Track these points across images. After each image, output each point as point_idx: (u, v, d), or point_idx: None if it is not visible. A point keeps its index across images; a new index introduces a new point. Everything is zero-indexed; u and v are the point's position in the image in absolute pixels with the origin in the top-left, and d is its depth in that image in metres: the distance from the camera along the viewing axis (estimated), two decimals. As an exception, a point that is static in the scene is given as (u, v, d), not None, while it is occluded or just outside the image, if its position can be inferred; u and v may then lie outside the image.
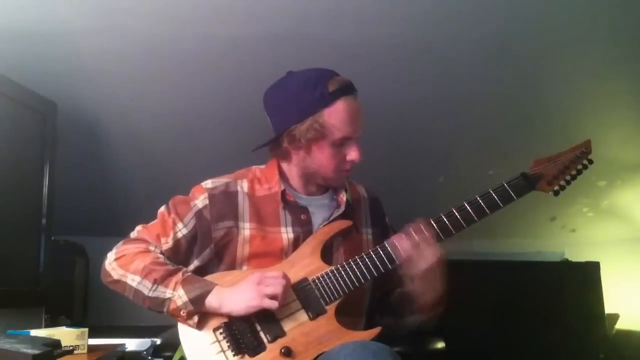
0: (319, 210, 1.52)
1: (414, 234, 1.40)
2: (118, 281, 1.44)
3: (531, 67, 2.57)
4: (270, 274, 1.36)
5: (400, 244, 1.40)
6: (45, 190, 2.35)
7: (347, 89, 1.44)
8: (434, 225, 1.42)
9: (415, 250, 1.38)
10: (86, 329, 1.86)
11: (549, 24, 2.36)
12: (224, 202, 1.49)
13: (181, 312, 1.36)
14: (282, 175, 1.54)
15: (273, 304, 1.34)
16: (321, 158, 1.45)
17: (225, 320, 1.38)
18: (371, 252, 1.44)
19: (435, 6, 2.26)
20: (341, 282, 1.41)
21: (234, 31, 2.30)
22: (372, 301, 1.58)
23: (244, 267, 1.46)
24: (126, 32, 2.28)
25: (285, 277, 1.37)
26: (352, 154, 1.45)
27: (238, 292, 1.36)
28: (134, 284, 1.41)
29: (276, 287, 1.34)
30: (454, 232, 1.42)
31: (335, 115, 1.41)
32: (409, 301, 1.50)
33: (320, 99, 1.41)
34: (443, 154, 3.00)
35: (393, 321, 1.57)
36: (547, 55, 2.50)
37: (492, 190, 1.44)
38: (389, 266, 1.42)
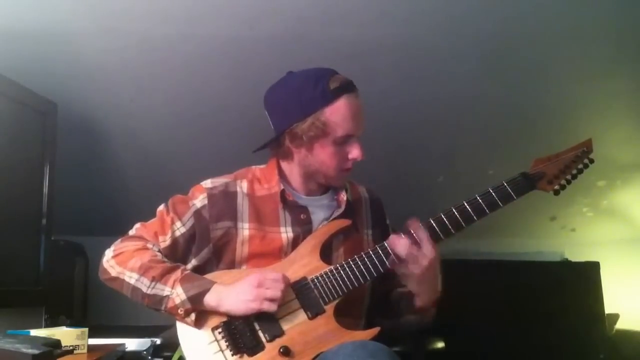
0: (319, 210, 1.52)
1: (413, 233, 1.39)
2: (116, 278, 1.44)
3: (531, 67, 2.56)
4: (271, 276, 1.36)
5: (399, 242, 1.38)
6: (45, 190, 2.34)
7: (348, 87, 1.44)
8: (433, 224, 1.41)
9: (413, 249, 1.37)
10: (86, 329, 1.85)
11: (549, 24, 2.36)
12: (223, 202, 1.49)
13: (179, 310, 1.37)
14: (282, 175, 1.54)
15: (272, 307, 1.34)
16: (323, 156, 1.45)
17: (224, 319, 1.38)
18: (370, 252, 1.44)
19: (435, 6, 2.26)
20: (340, 281, 1.42)
21: (234, 31, 2.30)
22: (372, 301, 1.58)
23: (243, 267, 1.46)
24: (126, 32, 2.27)
25: (285, 279, 1.36)
26: (354, 152, 1.46)
27: (237, 293, 1.36)
28: (132, 281, 1.41)
29: (275, 291, 1.34)
30: (453, 231, 1.42)
31: (337, 112, 1.41)
32: (406, 300, 1.50)
33: (322, 97, 1.41)
34: (443, 153, 3.00)
35: (393, 322, 1.56)
36: (547, 55, 2.49)
37: (492, 190, 1.44)
38: (387, 265, 1.42)
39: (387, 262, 1.42)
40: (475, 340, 2.73)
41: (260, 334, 1.36)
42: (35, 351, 1.37)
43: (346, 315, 1.43)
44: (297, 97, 1.44)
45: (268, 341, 1.36)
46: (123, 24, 2.24)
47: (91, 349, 1.85)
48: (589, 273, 3.21)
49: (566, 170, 1.48)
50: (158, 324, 1.72)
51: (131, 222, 1.56)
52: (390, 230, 1.62)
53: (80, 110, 2.57)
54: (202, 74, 2.50)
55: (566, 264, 3.40)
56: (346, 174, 1.51)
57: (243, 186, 1.52)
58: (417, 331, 1.58)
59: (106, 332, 2.44)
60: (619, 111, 2.84)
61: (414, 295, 1.44)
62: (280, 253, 1.46)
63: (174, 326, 1.42)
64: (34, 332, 1.73)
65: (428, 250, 1.37)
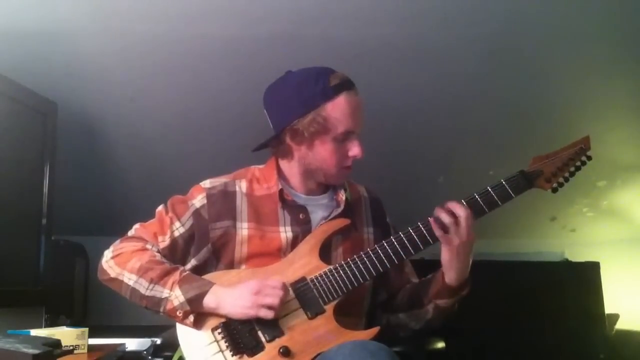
0: (318, 210, 1.52)
1: (456, 208, 1.40)
2: (114, 279, 1.44)
3: (531, 67, 2.56)
4: (270, 284, 1.36)
5: (455, 205, 1.40)
6: (45, 190, 2.34)
7: (348, 84, 1.45)
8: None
9: (459, 220, 1.38)
10: (86, 329, 1.86)
11: (549, 24, 2.36)
12: (222, 202, 1.49)
13: (177, 312, 1.36)
14: (281, 175, 1.54)
15: (269, 315, 1.34)
16: (323, 153, 1.45)
17: (224, 320, 1.38)
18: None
19: (435, 6, 2.26)
20: (340, 281, 1.41)
21: (234, 31, 2.30)
22: (373, 301, 1.58)
23: (243, 267, 1.46)
24: (126, 32, 2.28)
25: (284, 287, 1.36)
26: (354, 150, 1.46)
27: (235, 297, 1.36)
28: (130, 283, 1.41)
29: (274, 299, 1.34)
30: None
31: (338, 108, 1.42)
32: (427, 288, 1.50)
33: (322, 93, 1.41)
34: (443, 154, 3.00)
35: (404, 316, 1.55)
36: (547, 55, 2.49)
37: (491, 188, 1.44)
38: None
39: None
40: (475, 341, 2.73)
41: (260, 334, 1.36)
42: (35, 351, 1.37)
43: (346, 315, 1.43)
44: (297, 94, 1.44)
45: (268, 341, 1.36)
46: (123, 24, 2.24)
47: (91, 349, 1.86)
48: (589, 273, 3.22)
49: (564, 168, 1.47)
50: (158, 324, 1.72)
51: (131, 221, 1.56)
52: (391, 228, 1.61)
53: (80, 110, 2.57)
54: (202, 74, 2.50)
55: (566, 264, 3.40)
56: (346, 172, 1.50)
57: (242, 186, 1.52)
58: (426, 328, 1.55)
59: (106, 332, 2.44)
60: (619, 111, 2.84)
61: (442, 275, 1.44)
62: (279, 253, 1.46)
63: (174, 326, 1.42)
64: (34, 332, 1.73)
65: (470, 226, 1.39)
